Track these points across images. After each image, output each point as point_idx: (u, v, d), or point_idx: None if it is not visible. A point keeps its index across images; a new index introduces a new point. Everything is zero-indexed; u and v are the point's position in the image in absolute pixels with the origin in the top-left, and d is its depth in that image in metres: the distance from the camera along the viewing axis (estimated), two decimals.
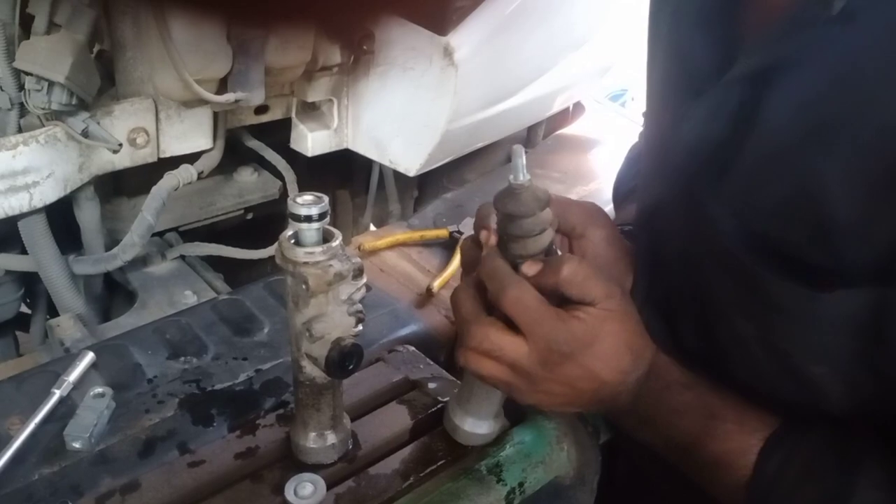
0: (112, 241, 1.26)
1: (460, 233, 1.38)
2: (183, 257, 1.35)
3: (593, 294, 0.68)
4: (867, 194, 0.55)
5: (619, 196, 1.04)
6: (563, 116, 2.07)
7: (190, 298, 1.24)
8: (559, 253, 0.70)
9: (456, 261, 1.28)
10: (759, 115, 0.62)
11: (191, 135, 1.25)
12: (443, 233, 1.40)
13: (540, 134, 2.07)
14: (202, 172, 1.28)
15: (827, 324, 0.60)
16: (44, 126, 1.07)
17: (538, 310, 0.67)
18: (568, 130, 2.07)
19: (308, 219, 0.67)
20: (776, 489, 0.64)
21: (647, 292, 0.83)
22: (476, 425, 0.80)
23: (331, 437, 0.78)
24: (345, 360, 0.70)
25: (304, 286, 0.68)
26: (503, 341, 0.68)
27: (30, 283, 1.28)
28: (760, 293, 0.63)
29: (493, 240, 0.70)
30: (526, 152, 0.66)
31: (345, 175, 1.83)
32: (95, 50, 1.12)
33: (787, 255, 0.60)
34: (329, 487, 0.74)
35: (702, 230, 0.69)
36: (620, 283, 0.78)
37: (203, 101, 1.15)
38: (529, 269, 0.68)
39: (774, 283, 0.61)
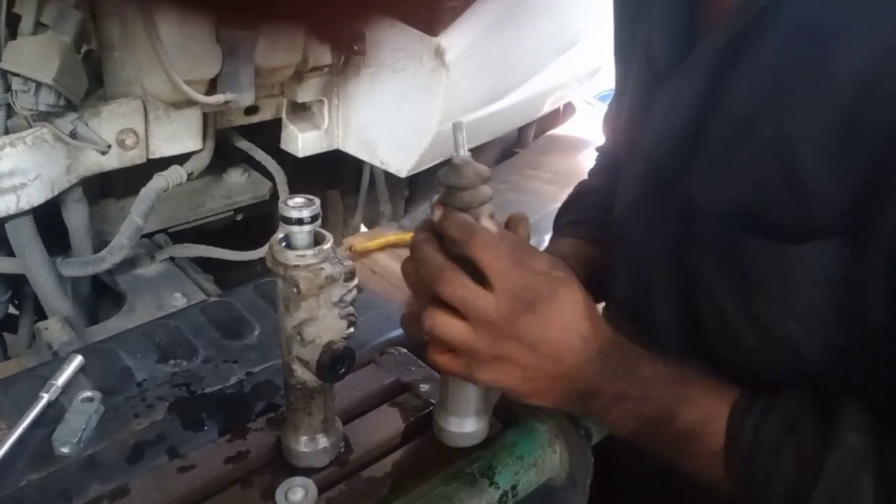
0: (100, 242, 1.25)
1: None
2: (172, 259, 1.35)
3: (541, 263, 0.68)
4: (829, 147, 0.59)
5: (559, 224, 1.05)
6: (554, 117, 2.07)
7: (179, 301, 1.24)
8: None
9: None
10: (723, 93, 0.66)
11: (180, 136, 1.25)
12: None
13: (531, 134, 2.07)
14: (192, 173, 1.27)
15: (798, 278, 0.64)
16: (31, 127, 1.06)
17: (509, 255, 0.67)
18: (559, 131, 2.08)
19: (299, 221, 0.66)
20: (757, 449, 0.64)
21: (624, 290, 0.84)
22: (459, 424, 0.80)
23: (322, 441, 0.77)
24: (336, 363, 0.70)
25: (295, 289, 0.67)
26: (474, 291, 0.67)
27: (17, 286, 1.27)
28: (737, 259, 0.67)
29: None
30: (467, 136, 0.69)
31: (335, 175, 1.83)
32: (83, 50, 1.12)
33: (759, 218, 0.64)
34: (321, 492, 0.74)
35: (679, 210, 0.72)
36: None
37: (192, 102, 1.15)
38: (490, 225, 0.69)
39: (749, 244, 0.65)
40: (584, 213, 1.02)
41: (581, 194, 1.07)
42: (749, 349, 0.71)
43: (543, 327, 0.67)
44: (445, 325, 0.68)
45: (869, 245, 0.59)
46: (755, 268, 0.67)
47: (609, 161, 1.05)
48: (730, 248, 0.68)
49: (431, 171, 1.71)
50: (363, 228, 1.88)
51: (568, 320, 0.68)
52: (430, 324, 0.69)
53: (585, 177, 1.12)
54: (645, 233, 0.79)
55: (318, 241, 0.69)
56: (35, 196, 1.08)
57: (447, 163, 0.70)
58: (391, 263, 1.31)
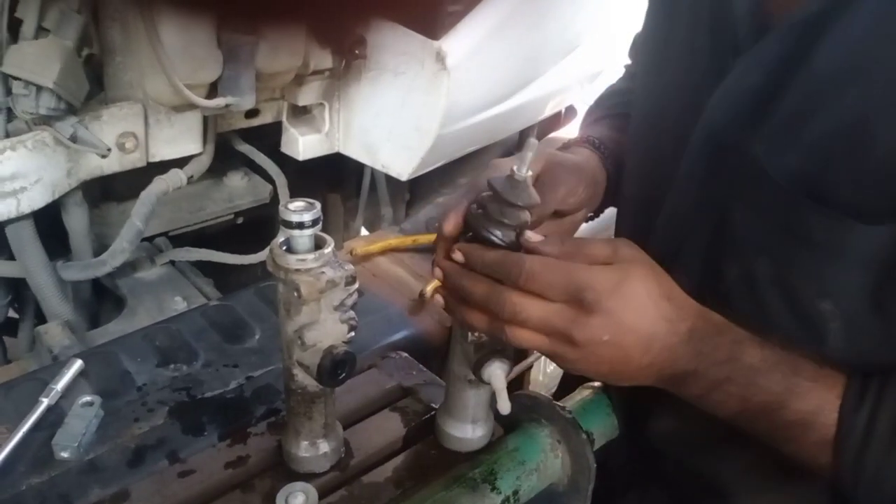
0: (101, 246, 1.25)
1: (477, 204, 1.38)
2: (172, 263, 1.35)
3: (601, 252, 0.67)
4: None
5: (592, 118, 1.05)
6: (555, 120, 2.07)
7: (180, 304, 1.23)
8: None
9: None
10: (804, 62, 0.65)
11: (180, 139, 1.24)
12: (435, 237, 1.39)
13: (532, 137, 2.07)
14: (192, 177, 1.27)
15: (849, 255, 0.64)
16: (32, 131, 1.06)
17: (551, 266, 0.65)
18: (560, 134, 2.07)
19: (300, 225, 0.66)
20: (870, 443, 0.63)
21: (641, 243, 0.83)
22: (461, 429, 0.80)
23: (323, 446, 0.77)
24: (337, 368, 0.69)
25: (295, 293, 0.67)
26: (528, 303, 0.66)
27: (18, 289, 1.27)
28: (790, 224, 0.67)
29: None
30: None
31: (336, 179, 1.83)
32: (84, 54, 1.11)
33: (828, 189, 0.64)
34: (321, 497, 0.74)
35: (735, 173, 0.71)
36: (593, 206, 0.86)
37: (193, 106, 1.15)
38: (534, 237, 0.68)
39: (811, 215, 0.65)
40: (619, 108, 1.01)
41: (613, 93, 1.07)
42: (773, 324, 0.70)
43: (616, 320, 0.65)
44: (521, 336, 0.67)
45: None
46: (807, 235, 0.66)
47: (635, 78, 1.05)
48: (784, 213, 0.67)
49: (433, 175, 1.71)
50: (364, 232, 1.88)
51: (644, 306, 0.66)
52: (512, 339, 0.68)
53: None
54: (686, 192, 0.78)
55: (318, 244, 0.69)
56: (36, 199, 1.08)
57: (501, 177, 0.68)
58: (392, 267, 1.31)
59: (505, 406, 0.73)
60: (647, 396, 0.76)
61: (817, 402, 0.66)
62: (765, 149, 0.68)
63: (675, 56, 0.83)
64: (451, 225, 0.72)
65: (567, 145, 0.95)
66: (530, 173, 0.67)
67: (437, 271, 0.73)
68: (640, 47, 0.95)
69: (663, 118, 0.83)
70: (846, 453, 0.64)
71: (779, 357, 0.67)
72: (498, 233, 0.68)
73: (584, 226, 0.93)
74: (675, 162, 0.80)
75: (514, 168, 0.67)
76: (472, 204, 0.71)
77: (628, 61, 1.11)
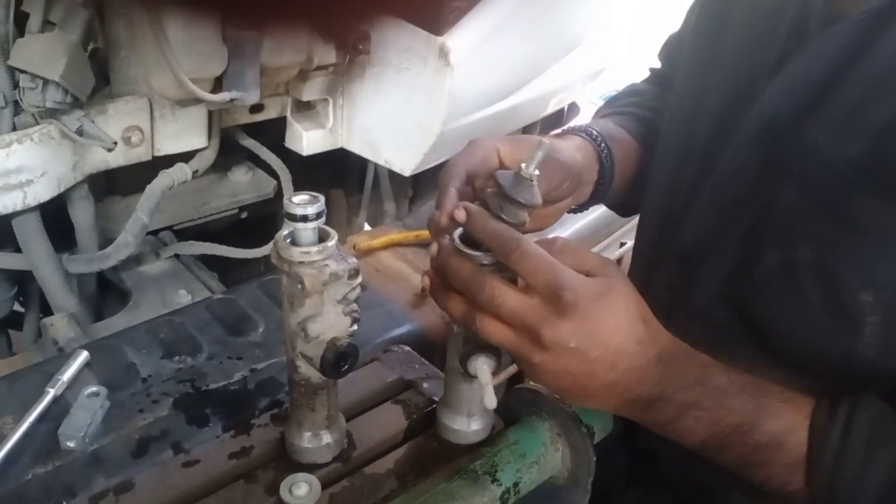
0: (106, 239, 1.25)
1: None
2: (177, 256, 1.35)
3: (589, 263, 0.67)
4: None
5: (602, 113, 1.05)
6: (559, 117, 2.07)
7: (184, 298, 1.24)
8: None
9: None
10: (869, 52, 0.66)
11: (185, 134, 1.25)
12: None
13: (535, 134, 2.07)
14: (197, 171, 1.28)
15: (894, 243, 0.64)
16: (38, 124, 1.07)
17: (543, 257, 0.65)
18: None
19: (304, 218, 0.67)
20: (845, 462, 0.63)
21: (668, 244, 0.84)
22: (462, 422, 0.81)
23: (326, 437, 0.78)
24: (340, 360, 0.70)
25: (299, 286, 0.68)
26: (506, 291, 0.66)
27: (23, 282, 1.28)
28: (841, 211, 0.67)
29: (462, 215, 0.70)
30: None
31: (339, 174, 1.83)
32: (90, 48, 1.12)
33: (877, 176, 0.64)
34: (324, 487, 0.74)
35: (790, 160, 0.72)
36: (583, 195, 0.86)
37: (198, 100, 1.15)
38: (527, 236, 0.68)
39: (865, 197, 0.65)
40: (629, 107, 1.02)
41: (630, 92, 1.08)
42: (808, 314, 0.70)
43: (587, 330, 0.64)
44: (488, 327, 0.67)
45: None
46: (859, 222, 0.66)
47: (662, 80, 1.06)
48: (836, 199, 0.67)
49: (435, 171, 1.71)
50: (367, 227, 1.88)
51: (618, 323, 0.65)
52: (476, 328, 0.68)
53: None
54: (735, 179, 0.78)
55: (322, 238, 0.69)
56: (41, 193, 1.08)
57: (508, 173, 0.68)
58: (395, 262, 1.31)
59: (490, 401, 0.73)
60: None
61: (789, 421, 0.66)
62: (825, 136, 0.69)
63: (727, 51, 0.83)
64: (445, 216, 0.72)
65: (563, 133, 0.95)
66: (537, 173, 0.68)
67: (433, 248, 0.73)
68: (682, 47, 0.95)
69: (704, 113, 0.83)
70: (820, 474, 0.64)
71: (746, 380, 0.67)
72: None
73: (575, 227, 0.94)
74: (713, 156, 0.80)
75: (523, 166, 0.67)
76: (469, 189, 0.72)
77: (655, 63, 1.11)
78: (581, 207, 0.94)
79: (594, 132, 0.92)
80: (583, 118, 2.11)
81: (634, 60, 0.96)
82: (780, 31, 0.77)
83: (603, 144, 0.92)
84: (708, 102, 0.84)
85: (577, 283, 0.65)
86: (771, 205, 0.73)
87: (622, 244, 1.90)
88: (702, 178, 0.82)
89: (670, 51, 1.05)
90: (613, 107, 1.05)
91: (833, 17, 0.72)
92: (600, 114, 1.06)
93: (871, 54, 0.67)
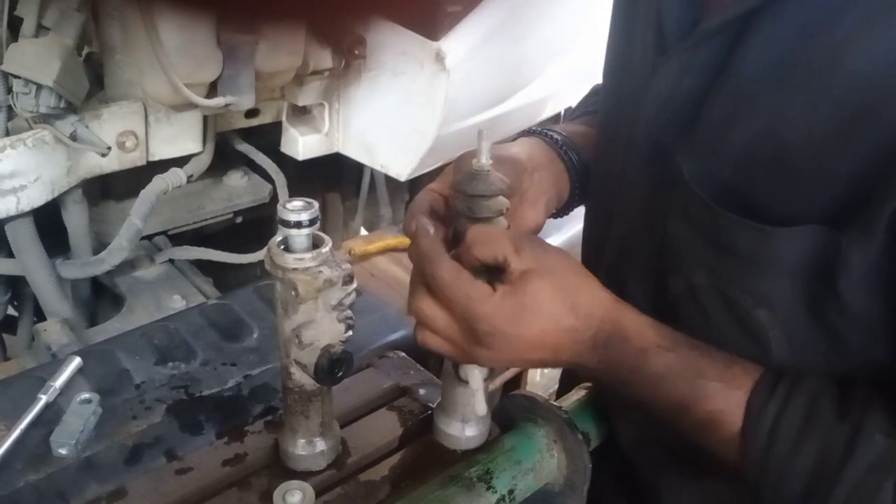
0: (100, 244, 1.25)
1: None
2: (171, 261, 1.35)
3: (505, 251, 0.67)
4: (828, 137, 0.58)
5: (573, 116, 1.05)
6: (554, 121, 2.07)
7: (178, 303, 1.24)
8: None
9: None
10: (729, 67, 0.65)
11: (180, 138, 1.25)
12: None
13: None
14: (191, 176, 1.27)
15: (774, 262, 0.64)
16: (31, 129, 1.06)
17: (454, 286, 0.66)
18: None
19: (298, 225, 0.67)
20: (776, 441, 0.63)
21: (597, 259, 0.83)
22: (459, 428, 0.80)
23: (320, 444, 0.78)
24: (334, 367, 0.70)
25: (293, 292, 0.67)
26: (436, 313, 0.68)
27: (16, 287, 1.27)
28: (717, 236, 0.67)
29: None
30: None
31: (335, 179, 1.83)
32: (84, 53, 1.12)
33: (745, 197, 0.64)
34: (318, 495, 0.74)
35: (668, 182, 0.71)
36: (557, 188, 0.84)
37: (193, 105, 1.15)
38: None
39: (730, 222, 0.65)
40: (593, 106, 1.01)
41: (594, 92, 1.06)
42: (719, 333, 0.71)
43: (517, 343, 0.67)
44: (431, 342, 0.71)
45: (865, 234, 0.58)
46: (733, 247, 0.66)
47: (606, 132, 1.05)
48: (710, 225, 0.67)
49: (431, 175, 1.71)
50: (363, 231, 1.88)
51: (545, 323, 0.67)
52: (420, 340, 0.72)
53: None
54: (632, 200, 0.78)
55: (316, 244, 0.69)
56: (35, 198, 1.08)
57: (469, 172, 0.69)
58: (390, 267, 1.31)
59: (480, 407, 0.73)
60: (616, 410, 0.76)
61: (723, 402, 0.66)
62: (689, 164, 0.68)
63: (617, 59, 0.83)
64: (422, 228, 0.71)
65: (519, 135, 0.93)
66: (490, 162, 0.68)
67: None
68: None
69: (617, 125, 0.82)
70: (752, 452, 0.64)
71: (685, 363, 0.67)
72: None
73: (571, 234, 0.93)
74: (622, 175, 0.80)
75: (473, 161, 0.68)
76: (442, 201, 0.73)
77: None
78: (565, 209, 0.92)
79: (547, 132, 0.91)
80: None
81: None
82: (649, 40, 0.75)
83: (559, 139, 0.89)
84: (613, 114, 0.84)
85: (487, 310, 0.66)
86: (666, 230, 0.74)
87: None
88: (615, 198, 0.82)
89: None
90: (578, 111, 1.04)
91: (691, 28, 0.70)
92: (569, 117, 1.05)
93: (729, 71, 0.65)
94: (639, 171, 0.77)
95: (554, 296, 0.67)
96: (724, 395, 0.66)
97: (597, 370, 0.69)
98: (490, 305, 0.66)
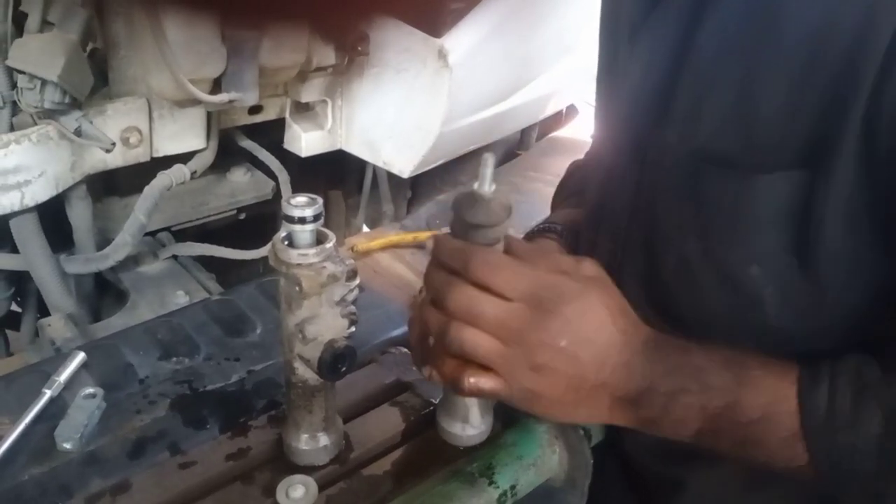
0: (104, 240, 1.26)
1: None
2: (175, 257, 1.35)
3: (564, 264, 0.67)
4: (791, 86, 0.63)
5: (555, 202, 1.05)
6: (557, 119, 2.07)
7: (182, 298, 1.24)
8: None
9: None
10: (693, 43, 0.69)
11: (184, 134, 1.25)
12: (436, 234, 1.40)
13: (533, 136, 2.08)
14: (195, 172, 1.28)
15: (758, 212, 0.67)
16: (36, 125, 1.07)
17: (513, 263, 0.65)
18: (561, 133, 2.08)
19: (302, 220, 0.67)
20: (835, 421, 0.61)
21: (589, 253, 0.83)
22: (462, 425, 0.80)
23: (323, 439, 0.78)
24: (337, 362, 0.70)
25: (297, 288, 0.68)
26: (484, 298, 0.64)
27: (20, 282, 1.28)
28: (701, 198, 0.70)
29: None
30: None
31: (338, 175, 1.84)
32: (88, 48, 1.12)
33: (724, 160, 0.68)
34: (321, 489, 0.74)
35: (654, 161, 0.74)
36: None
37: (196, 101, 1.15)
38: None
39: (712, 178, 0.68)
40: (577, 186, 1.02)
41: (573, 171, 1.08)
42: (713, 303, 0.72)
43: (575, 328, 0.64)
44: (474, 338, 0.65)
45: (827, 176, 0.62)
46: (718, 203, 0.69)
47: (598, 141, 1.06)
48: (695, 188, 0.70)
49: (434, 172, 1.72)
50: (365, 228, 1.88)
51: (602, 318, 0.65)
52: (458, 341, 0.65)
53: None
54: (624, 192, 0.80)
55: (320, 240, 0.69)
56: (39, 193, 1.08)
57: (464, 196, 0.66)
58: (393, 263, 1.31)
59: (482, 407, 0.73)
60: None
61: (772, 391, 0.64)
62: (671, 137, 0.71)
63: (604, 60, 0.86)
64: None
65: (531, 236, 0.94)
66: (494, 187, 0.66)
67: None
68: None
69: (608, 125, 0.86)
70: (815, 439, 0.62)
71: (724, 355, 0.66)
72: None
73: None
74: (610, 170, 0.82)
75: (476, 186, 0.65)
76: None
77: None
78: None
79: (555, 227, 0.92)
80: (581, 120, 2.11)
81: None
82: (615, 33, 0.80)
83: (564, 233, 0.91)
84: (605, 118, 0.87)
85: (557, 283, 0.65)
86: (655, 213, 0.75)
87: None
88: (603, 200, 0.84)
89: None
90: (564, 192, 1.05)
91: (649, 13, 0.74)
92: (557, 202, 1.05)
93: (692, 55, 0.69)
94: (626, 165, 0.79)
95: (614, 299, 0.67)
96: (772, 384, 0.64)
97: (642, 384, 0.65)
98: (559, 280, 0.65)
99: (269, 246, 0.70)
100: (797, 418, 0.63)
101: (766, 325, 0.69)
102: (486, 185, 0.65)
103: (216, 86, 1.17)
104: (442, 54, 1.25)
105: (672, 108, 0.71)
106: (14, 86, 1.02)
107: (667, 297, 0.75)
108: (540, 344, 0.64)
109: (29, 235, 1.14)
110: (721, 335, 0.69)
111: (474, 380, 0.66)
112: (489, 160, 0.65)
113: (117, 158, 1.18)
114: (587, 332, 0.65)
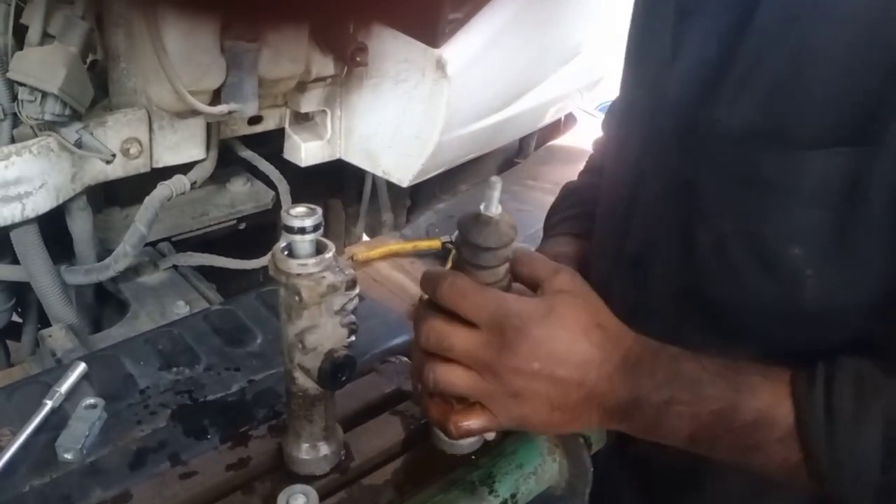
0: (104, 250, 1.26)
1: (453, 243, 1.39)
2: (175, 267, 1.35)
3: (542, 272, 0.67)
4: (846, 57, 0.62)
5: (549, 224, 1.05)
6: (555, 127, 2.08)
7: (182, 309, 1.24)
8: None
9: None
10: (753, 15, 0.67)
11: (184, 145, 1.26)
12: (435, 243, 1.41)
13: (532, 145, 2.08)
14: (195, 183, 1.28)
15: (804, 190, 0.65)
16: (37, 136, 1.07)
17: (477, 290, 0.65)
18: (560, 141, 2.09)
19: (301, 231, 0.67)
20: (836, 418, 0.61)
21: (618, 251, 0.84)
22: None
23: (323, 449, 0.78)
24: (337, 371, 0.70)
25: (297, 298, 0.68)
26: (452, 330, 0.65)
27: (21, 293, 1.28)
28: (747, 175, 0.68)
29: None
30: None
31: (337, 185, 1.84)
32: (89, 61, 1.13)
33: (773, 134, 0.66)
34: (321, 499, 0.74)
35: (695, 146, 0.72)
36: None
37: (196, 112, 1.16)
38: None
39: (760, 152, 0.67)
40: (571, 209, 1.02)
41: (567, 194, 1.07)
42: (749, 285, 0.70)
43: (546, 349, 0.64)
44: (447, 375, 0.66)
45: (878, 155, 0.61)
46: (763, 179, 0.67)
47: (597, 160, 1.06)
48: (741, 164, 0.68)
49: (433, 181, 1.72)
50: (365, 237, 1.89)
51: (574, 334, 0.65)
52: (432, 379, 0.66)
53: None
54: (660, 176, 0.78)
55: (320, 250, 0.69)
56: (40, 204, 1.09)
57: (470, 218, 0.66)
58: (392, 272, 1.32)
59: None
60: None
61: (770, 395, 0.64)
62: (721, 107, 0.69)
63: (637, 55, 0.85)
64: None
65: (547, 236, 0.95)
66: (500, 210, 0.66)
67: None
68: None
69: (640, 109, 0.83)
70: (814, 440, 0.62)
71: (719, 364, 0.66)
72: (481, 274, 0.68)
73: None
74: (642, 164, 0.81)
75: (482, 207, 0.66)
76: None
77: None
78: None
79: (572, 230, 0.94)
80: (579, 128, 2.12)
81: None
82: (667, 16, 0.78)
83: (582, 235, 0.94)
84: (635, 110, 0.85)
85: (520, 307, 0.64)
86: (694, 193, 0.73)
87: None
88: (636, 188, 0.82)
89: (609, 122, 1.05)
90: (558, 215, 1.05)
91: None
92: (550, 227, 1.05)
93: (749, 28, 0.68)
94: (664, 147, 0.77)
95: (585, 313, 0.66)
96: (769, 388, 0.64)
97: (630, 395, 0.65)
98: (523, 304, 0.65)
99: (268, 256, 0.70)
100: (792, 418, 0.63)
101: (799, 310, 0.68)
102: (492, 207, 0.66)
103: (216, 97, 1.17)
104: (440, 65, 1.26)
105: (723, 83, 0.70)
106: (15, 98, 1.02)
107: (700, 282, 0.73)
108: (513, 371, 0.64)
109: (30, 246, 1.14)
110: (753, 319, 0.69)
111: (462, 423, 0.67)
112: (496, 184, 0.65)
113: (118, 169, 1.18)
114: (559, 351, 0.64)
